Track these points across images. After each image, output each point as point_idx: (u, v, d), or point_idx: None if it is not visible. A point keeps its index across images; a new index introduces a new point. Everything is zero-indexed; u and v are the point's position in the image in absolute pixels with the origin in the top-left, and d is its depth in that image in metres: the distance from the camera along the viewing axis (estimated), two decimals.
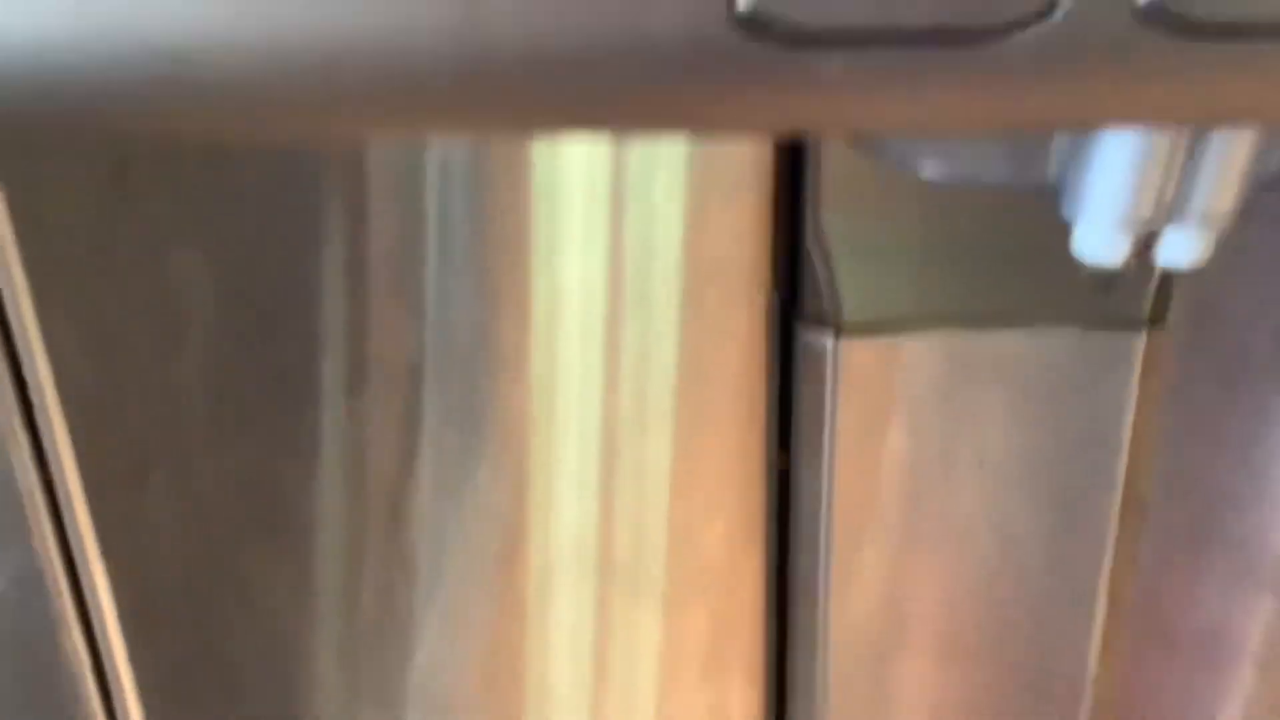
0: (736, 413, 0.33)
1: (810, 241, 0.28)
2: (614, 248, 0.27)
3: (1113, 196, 0.20)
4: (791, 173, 0.26)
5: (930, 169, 0.23)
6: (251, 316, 0.28)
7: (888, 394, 0.28)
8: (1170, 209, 0.20)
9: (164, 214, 0.26)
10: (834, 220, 0.26)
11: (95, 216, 0.26)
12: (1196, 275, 0.23)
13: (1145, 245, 0.21)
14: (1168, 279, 0.27)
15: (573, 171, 0.26)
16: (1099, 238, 0.21)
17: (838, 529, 0.30)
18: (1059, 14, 0.16)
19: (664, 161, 0.26)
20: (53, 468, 0.28)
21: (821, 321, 0.28)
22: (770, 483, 0.35)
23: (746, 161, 0.26)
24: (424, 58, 0.16)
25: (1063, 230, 0.23)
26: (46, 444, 0.27)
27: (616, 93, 0.16)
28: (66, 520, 0.28)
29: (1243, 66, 0.16)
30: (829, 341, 0.28)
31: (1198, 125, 0.19)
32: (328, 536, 0.31)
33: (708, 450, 0.33)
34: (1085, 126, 0.19)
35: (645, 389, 0.31)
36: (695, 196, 0.27)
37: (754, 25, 0.16)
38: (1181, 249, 0.21)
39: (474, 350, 0.30)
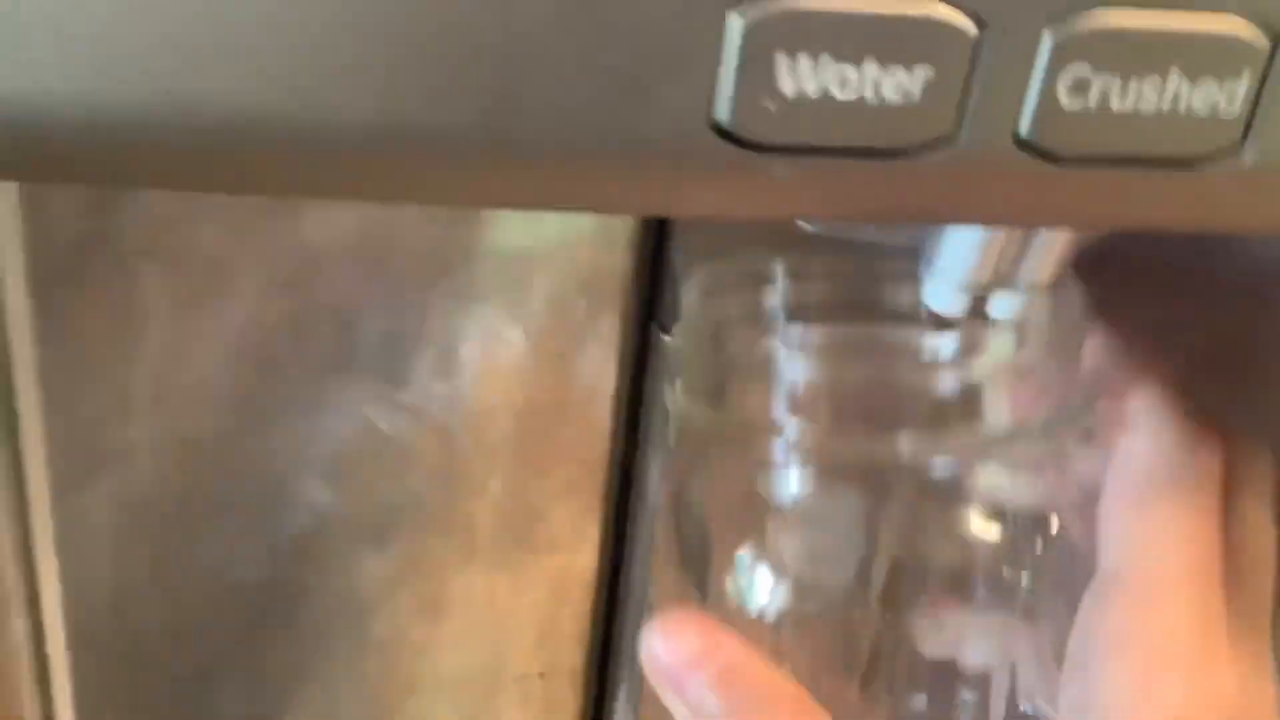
0: (592, 404, 0.37)
1: (672, 261, 0.33)
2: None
3: (958, 266, 0.25)
4: None
5: (819, 226, 0.27)
6: None
7: None
8: (1001, 279, 0.25)
9: None
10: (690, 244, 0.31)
11: None
12: None
13: (980, 300, 0.27)
14: None
15: None
16: (943, 294, 0.26)
17: None
18: (959, 141, 0.20)
19: None
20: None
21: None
22: (615, 466, 0.39)
23: None
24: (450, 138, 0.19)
25: None
26: None
27: (611, 183, 0.20)
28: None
29: (1090, 187, 0.21)
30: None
31: (1050, 227, 0.24)
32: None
33: (564, 437, 0.37)
34: (968, 224, 0.24)
35: (515, 380, 0.35)
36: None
37: (726, 134, 0.20)
38: (1007, 307, 0.26)
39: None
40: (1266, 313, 0.34)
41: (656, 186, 0.20)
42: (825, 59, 0.19)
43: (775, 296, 0.32)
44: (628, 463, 0.38)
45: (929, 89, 0.20)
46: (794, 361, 0.29)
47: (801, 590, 0.32)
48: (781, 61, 0.19)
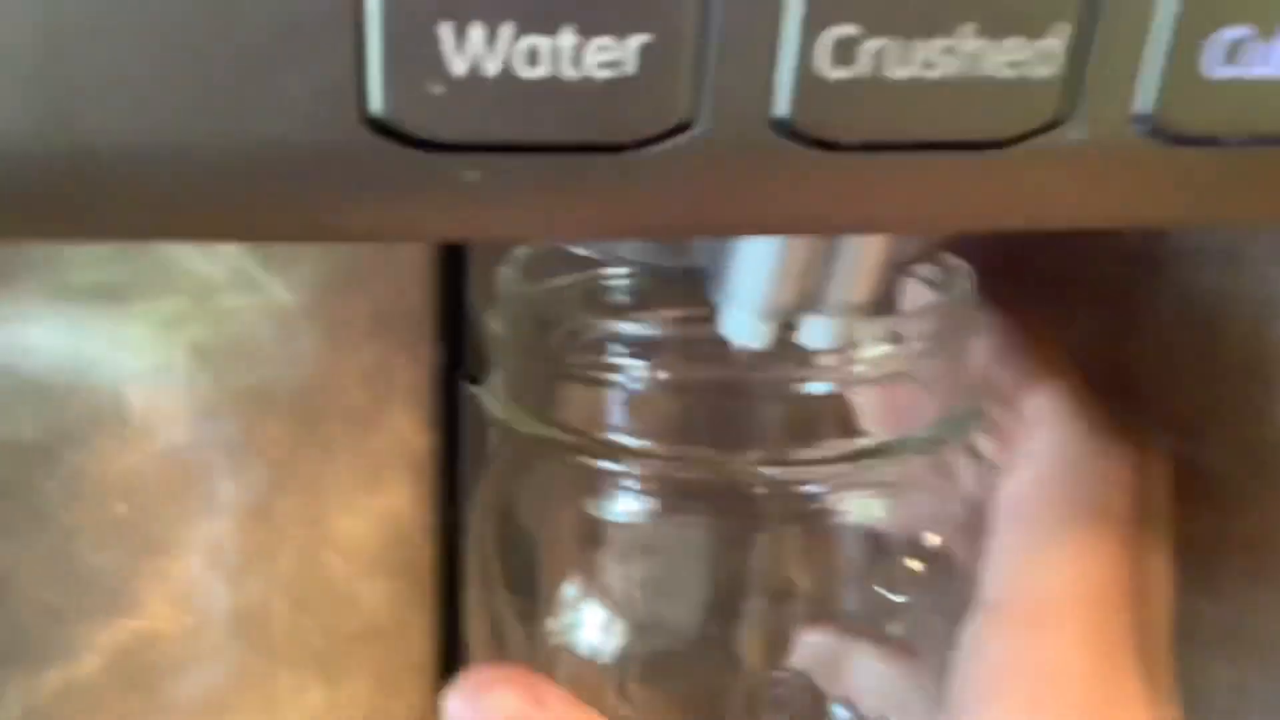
0: (402, 468, 0.32)
1: (471, 304, 0.28)
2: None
3: (754, 289, 0.21)
4: None
5: (591, 250, 0.23)
6: None
7: None
8: (809, 300, 0.21)
9: None
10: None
11: None
12: None
13: (787, 327, 0.22)
14: None
15: None
16: (743, 324, 0.21)
17: None
18: (695, 127, 0.16)
19: None
20: None
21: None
22: (437, 537, 0.34)
23: None
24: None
25: None
26: None
27: (250, 200, 0.15)
28: None
29: (873, 179, 0.17)
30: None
31: (831, 233, 0.20)
32: None
33: (370, 509, 0.32)
34: (721, 235, 0.20)
35: (305, 446, 0.30)
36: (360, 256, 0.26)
37: (385, 129, 0.15)
38: (820, 334, 0.22)
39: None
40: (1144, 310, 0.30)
41: (307, 202, 0.16)
42: (504, 28, 0.15)
43: (612, 283, 0.27)
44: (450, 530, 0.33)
45: (647, 61, 0.15)
46: (634, 363, 0.25)
47: (645, 629, 0.27)
48: (446, 34, 0.15)
